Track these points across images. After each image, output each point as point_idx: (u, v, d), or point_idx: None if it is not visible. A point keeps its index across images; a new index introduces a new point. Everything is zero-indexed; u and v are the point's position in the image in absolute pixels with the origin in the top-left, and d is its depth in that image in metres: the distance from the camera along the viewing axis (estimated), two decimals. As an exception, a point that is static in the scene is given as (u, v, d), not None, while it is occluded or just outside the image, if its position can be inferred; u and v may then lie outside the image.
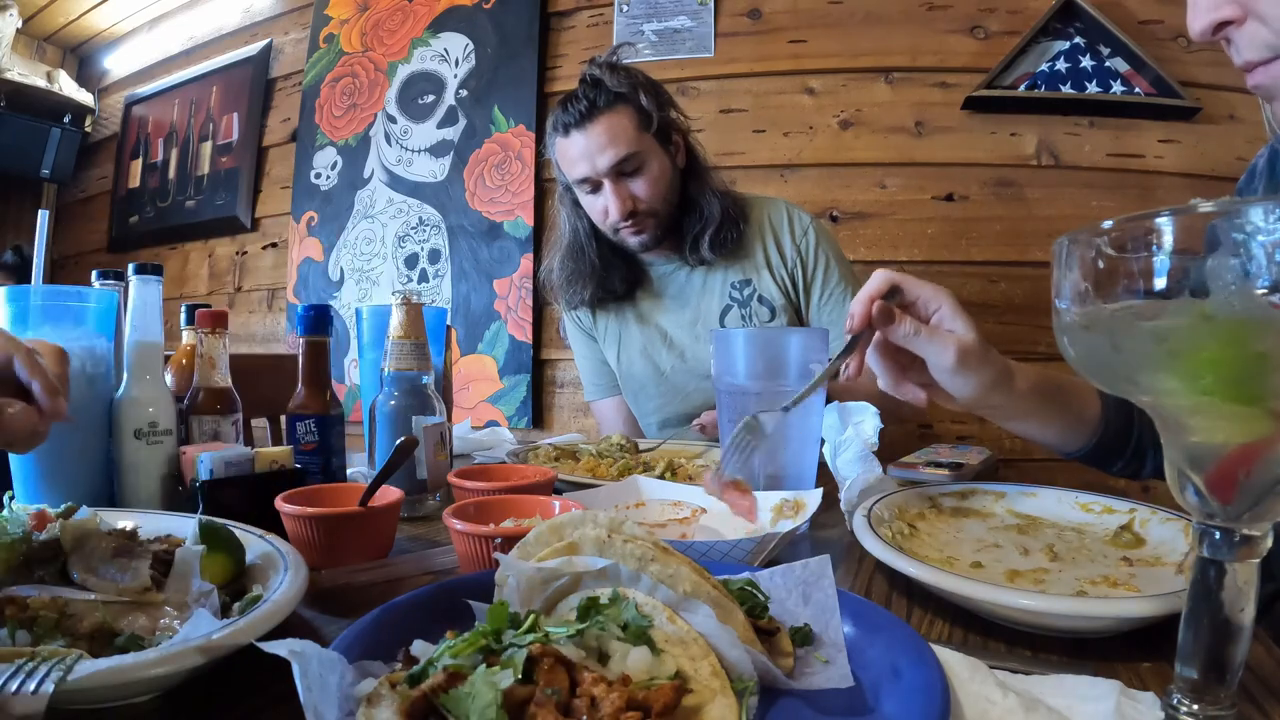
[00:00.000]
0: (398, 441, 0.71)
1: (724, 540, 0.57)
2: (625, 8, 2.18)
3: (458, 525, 0.56)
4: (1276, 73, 0.59)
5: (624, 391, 1.52)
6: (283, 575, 0.48)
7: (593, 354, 1.54)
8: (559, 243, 1.42)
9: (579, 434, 1.44)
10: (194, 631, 0.39)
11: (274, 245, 2.64)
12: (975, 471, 1.00)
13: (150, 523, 0.59)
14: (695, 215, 1.31)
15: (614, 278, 1.39)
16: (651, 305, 1.43)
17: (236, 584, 0.52)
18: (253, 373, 1.17)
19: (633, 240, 1.32)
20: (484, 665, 0.32)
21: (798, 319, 1.36)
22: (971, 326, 0.64)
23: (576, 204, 1.36)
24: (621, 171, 1.25)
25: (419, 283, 2.34)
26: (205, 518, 0.54)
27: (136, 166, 3.02)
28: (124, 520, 0.58)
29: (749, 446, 0.64)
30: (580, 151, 1.24)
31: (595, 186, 1.27)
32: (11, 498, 0.70)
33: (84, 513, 0.53)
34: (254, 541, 0.55)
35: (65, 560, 0.48)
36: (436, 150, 2.35)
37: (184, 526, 0.55)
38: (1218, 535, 0.33)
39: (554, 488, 0.81)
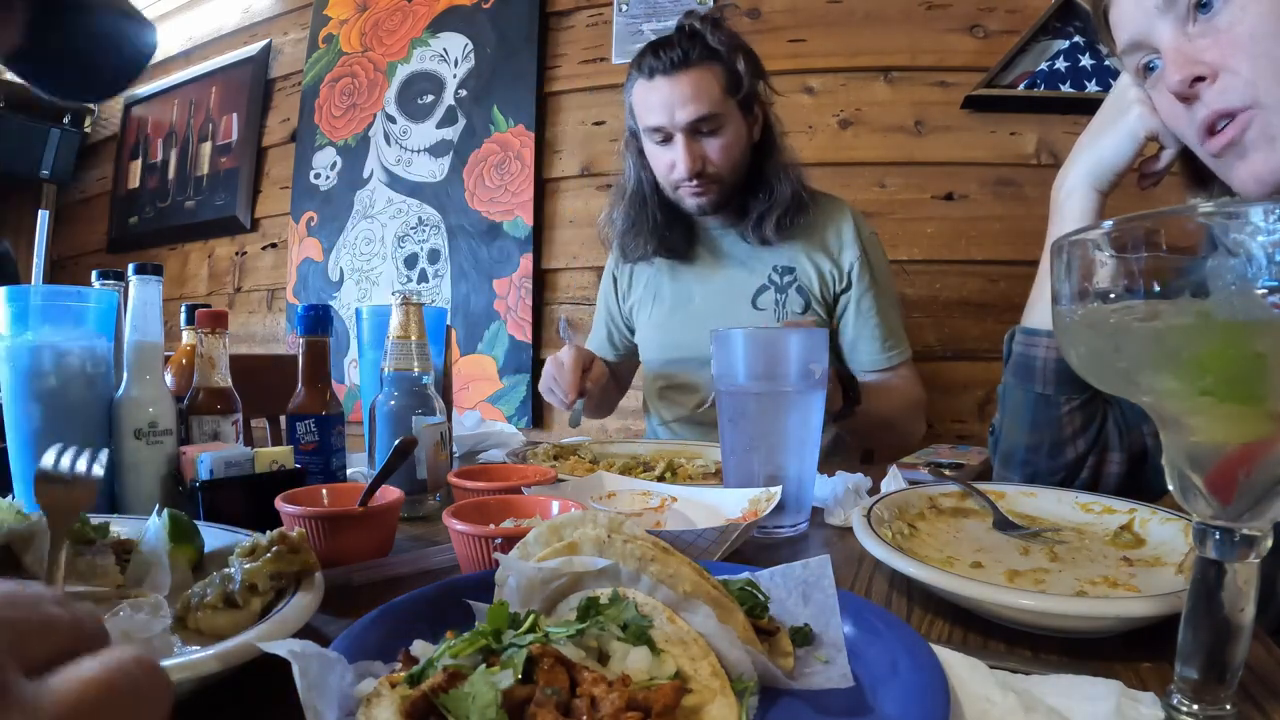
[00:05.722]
0: (397, 441, 0.71)
1: (690, 529, 0.58)
2: (625, 7, 2.18)
3: (458, 525, 0.56)
4: (1245, 122, 0.60)
5: (643, 354, 1.51)
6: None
7: (605, 318, 1.55)
8: (620, 191, 1.39)
9: (584, 435, 1.43)
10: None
11: (274, 245, 2.64)
12: (975, 471, 1.00)
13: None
14: (765, 193, 1.29)
15: (676, 235, 1.36)
16: (692, 267, 1.41)
17: (196, 572, 0.53)
18: (253, 373, 1.17)
19: (691, 201, 1.29)
20: (484, 665, 0.32)
21: (829, 318, 1.35)
22: None
23: (642, 154, 1.33)
24: (697, 130, 1.22)
25: (419, 283, 2.34)
26: (171, 510, 0.54)
27: (136, 167, 3.02)
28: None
29: None
30: (661, 100, 1.21)
31: (667, 138, 1.25)
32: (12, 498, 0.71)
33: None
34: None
35: (19, 562, 0.49)
36: (436, 150, 2.35)
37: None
38: (1218, 535, 0.33)
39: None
